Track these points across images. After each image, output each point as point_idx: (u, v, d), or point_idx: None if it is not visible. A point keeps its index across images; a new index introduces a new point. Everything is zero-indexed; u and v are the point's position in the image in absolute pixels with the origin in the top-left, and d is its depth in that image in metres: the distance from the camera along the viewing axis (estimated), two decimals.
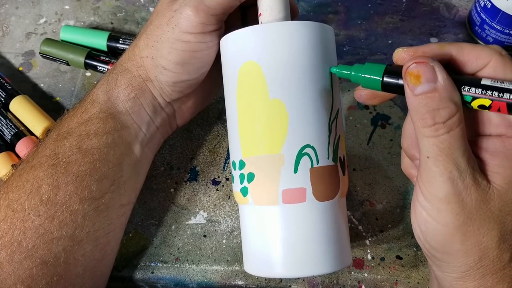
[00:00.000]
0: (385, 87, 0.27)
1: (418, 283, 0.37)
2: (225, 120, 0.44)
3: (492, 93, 0.24)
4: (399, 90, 0.27)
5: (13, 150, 0.42)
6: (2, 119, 0.43)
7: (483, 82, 0.25)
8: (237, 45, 0.31)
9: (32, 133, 0.43)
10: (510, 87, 0.24)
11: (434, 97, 0.24)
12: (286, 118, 0.29)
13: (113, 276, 0.38)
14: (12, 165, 0.40)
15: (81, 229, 0.32)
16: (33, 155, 0.33)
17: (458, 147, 0.25)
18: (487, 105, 0.25)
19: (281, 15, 0.32)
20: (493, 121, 0.26)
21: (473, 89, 0.25)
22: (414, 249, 0.38)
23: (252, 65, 0.30)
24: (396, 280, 0.37)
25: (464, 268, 0.26)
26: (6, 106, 0.44)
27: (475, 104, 0.25)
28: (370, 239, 0.39)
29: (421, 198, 0.26)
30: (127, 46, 0.47)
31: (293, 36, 0.30)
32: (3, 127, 0.43)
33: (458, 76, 0.26)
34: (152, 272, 0.38)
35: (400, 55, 0.27)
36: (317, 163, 0.30)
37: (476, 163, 0.26)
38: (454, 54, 0.26)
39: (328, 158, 0.30)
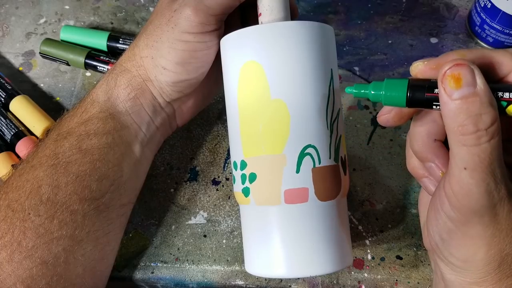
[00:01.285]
0: (411, 102, 0.26)
1: (418, 283, 0.37)
2: (225, 120, 0.44)
3: None
4: (426, 103, 0.26)
5: (13, 150, 0.42)
6: (2, 119, 0.43)
7: None
8: (237, 45, 0.31)
9: (32, 133, 0.43)
10: None
11: (475, 101, 0.23)
12: (288, 118, 0.29)
13: (113, 276, 0.37)
14: (12, 165, 0.40)
15: (81, 229, 0.31)
16: (33, 155, 0.33)
17: (497, 157, 0.23)
18: None
19: (281, 15, 0.32)
20: None
21: (507, 94, 0.24)
22: (414, 249, 0.38)
23: (253, 65, 0.30)
24: (396, 280, 0.37)
25: (482, 275, 0.26)
26: (6, 106, 0.44)
27: (510, 109, 0.24)
28: (370, 239, 0.39)
29: (447, 208, 0.25)
30: (127, 46, 0.47)
31: (294, 36, 0.30)
32: (3, 127, 0.43)
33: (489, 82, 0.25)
34: (152, 272, 0.38)
35: (419, 68, 0.26)
36: (319, 163, 0.30)
37: (506, 172, 0.25)
38: (475, 62, 0.25)
39: (330, 158, 0.30)
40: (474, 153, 0.23)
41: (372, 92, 0.27)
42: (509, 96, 0.24)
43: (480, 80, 0.23)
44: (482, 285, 0.26)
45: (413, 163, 0.31)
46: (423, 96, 0.25)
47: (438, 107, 0.25)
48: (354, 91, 0.28)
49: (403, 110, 0.28)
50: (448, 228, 0.26)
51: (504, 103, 0.24)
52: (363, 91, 0.28)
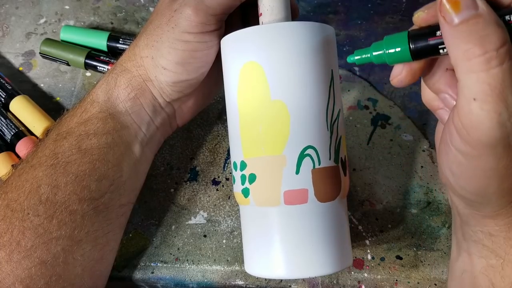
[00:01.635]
0: (416, 53, 0.25)
1: (418, 283, 0.37)
2: (225, 120, 0.44)
3: None
4: (432, 50, 0.24)
5: (13, 150, 0.42)
6: (2, 119, 0.43)
7: None
8: (238, 45, 0.31)
9: (32, 133, 0.43)
10: None
11: (479, 22, 0.21)
12: (288, 119, 0.29)
13: (113, 276, 0.37)
14: (12, 165, 0.40)
15: (80, 229, 0.31)
16: (33, 155, 0.33)
17: (509, 84, 0.21)
18: None
19: (282, 15, 0.32)
20: None
21: None
22: (414, 249, 0.38)
23: (254, 65, 0.30)
24: (396, 280, 0.37)
25: (496, 208, 0.25)
26: (6, 106, 0.44)
27: None
28: (370, 239, 0.39)
29: (457, 141, 0.24)
30: (127, 46, 0.47)
31: (294, 36, 0.29)
32: (3, 127, 0.43)
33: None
34: (152, 272, 0.38)
35: (422, 17, 0.25)
36: (319, 164, 0.29)
37: None
38: None
39: (329, 159, 0.30)
40: (484, 80, 0.21)
41: (374, 54, 0.26)
42: None
43: (481, 3, 0.22)
44: (496, 218, 0.25)
45: (427, 95, 0.29)
46: (426, 42, 0.24)
47: (445, 50, 0.24)
48: (355, 58, 0.27)
49: (413, 66, 0.27)
50: (458, 162, 0.24)
51: None
52: (364, 55, 0.27)
